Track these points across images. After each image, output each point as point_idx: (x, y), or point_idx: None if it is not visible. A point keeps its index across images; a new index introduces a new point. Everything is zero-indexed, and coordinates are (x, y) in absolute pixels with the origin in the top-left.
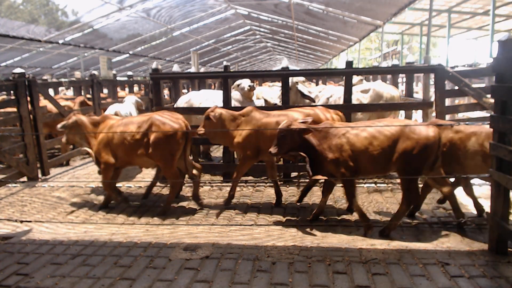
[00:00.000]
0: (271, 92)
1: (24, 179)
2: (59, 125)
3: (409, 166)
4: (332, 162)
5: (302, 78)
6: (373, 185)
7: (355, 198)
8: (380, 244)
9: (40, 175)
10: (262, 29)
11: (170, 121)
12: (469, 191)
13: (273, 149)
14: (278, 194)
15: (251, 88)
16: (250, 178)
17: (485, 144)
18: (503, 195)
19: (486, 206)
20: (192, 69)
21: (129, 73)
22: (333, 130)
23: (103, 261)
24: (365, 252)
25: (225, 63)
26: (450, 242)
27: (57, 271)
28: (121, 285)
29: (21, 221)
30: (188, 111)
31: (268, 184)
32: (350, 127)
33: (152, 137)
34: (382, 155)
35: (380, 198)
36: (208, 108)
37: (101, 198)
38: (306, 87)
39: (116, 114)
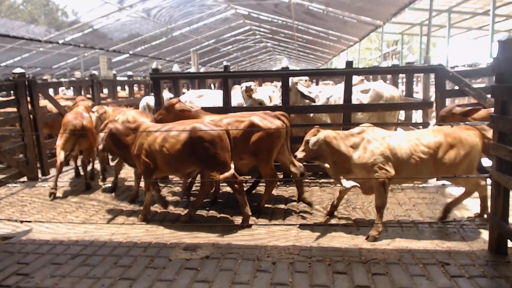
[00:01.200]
0: (264, 91)
1: (24, 179)
2: None
3: (205, 162)
4: (136, 159)
5: (305, 78)
6: None
7: (150, 191)
8: (380, 244)
9: (40, 175)
10: (262, 29)
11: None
12: None
13: (100, 146)
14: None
15: (246, 90)
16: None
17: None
18: (503, 195)
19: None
20: (192, 69)
21: (129, 73)
22: (141, 131)
23: (103, 261)
24: (365, 252)
25: (225, 63)
26: (450, 242)
27: (57, 271)
28: (121, 285)
29: (21, 221)
30: None
31: None
32: (153, 130)
33: None
34: (176, 155)
35: None
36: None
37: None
38: (306, 88)
39: (148, 104)
